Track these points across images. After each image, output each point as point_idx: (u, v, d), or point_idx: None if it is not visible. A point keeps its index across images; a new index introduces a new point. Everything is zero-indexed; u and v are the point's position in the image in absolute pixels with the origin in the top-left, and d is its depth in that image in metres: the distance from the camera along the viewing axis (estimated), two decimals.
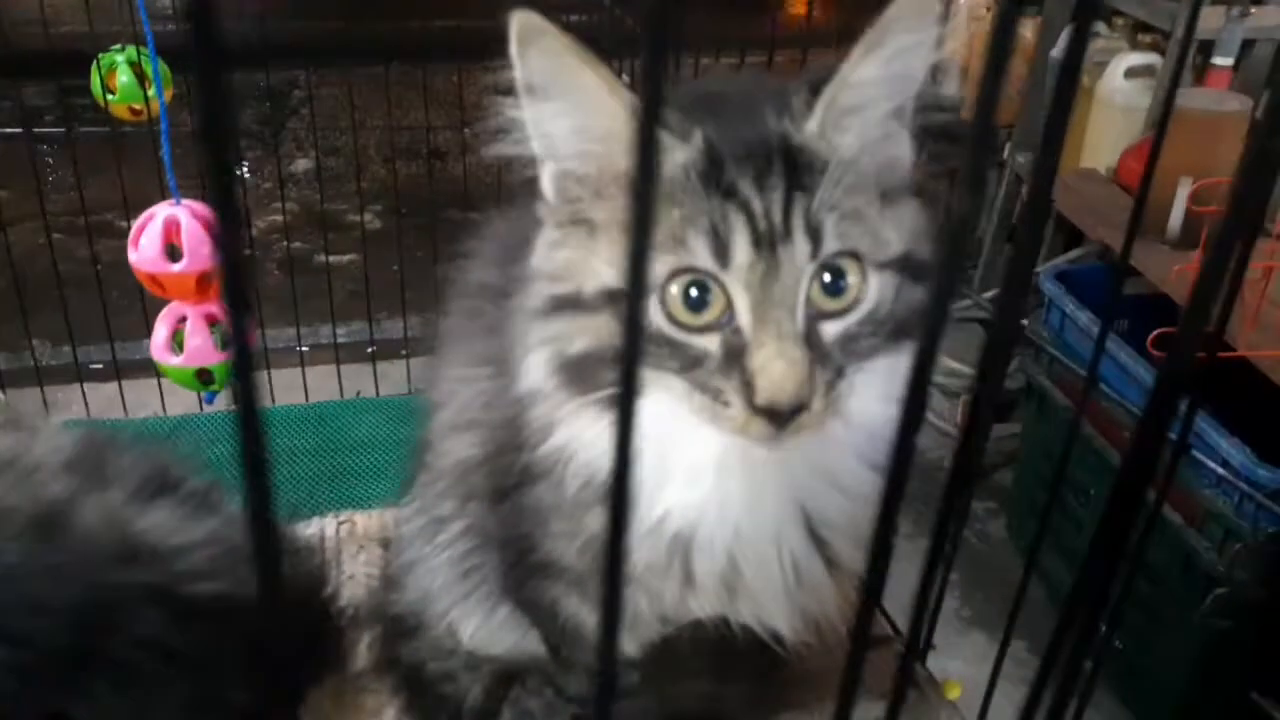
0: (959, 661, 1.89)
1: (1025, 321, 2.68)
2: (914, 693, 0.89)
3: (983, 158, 0.32)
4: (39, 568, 0.65)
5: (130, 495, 0.73)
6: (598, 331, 0.57)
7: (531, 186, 0.61)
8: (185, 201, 1.29)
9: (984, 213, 3.23)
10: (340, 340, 2.13)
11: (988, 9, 2.83)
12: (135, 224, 1.28)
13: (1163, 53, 2.27)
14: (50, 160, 2.77)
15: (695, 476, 0.62)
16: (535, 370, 0.61)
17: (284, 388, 2.06)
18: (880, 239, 0.57)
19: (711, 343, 0.56)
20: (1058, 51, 2.43)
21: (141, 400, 1.90)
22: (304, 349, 2.18)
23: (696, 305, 0.55)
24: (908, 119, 0.59)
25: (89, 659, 0.65)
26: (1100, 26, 2.36)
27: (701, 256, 0.55)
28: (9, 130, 1.95)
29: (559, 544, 0.68)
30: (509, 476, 0.68)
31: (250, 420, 0.25)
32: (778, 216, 0.55)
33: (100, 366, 2.06)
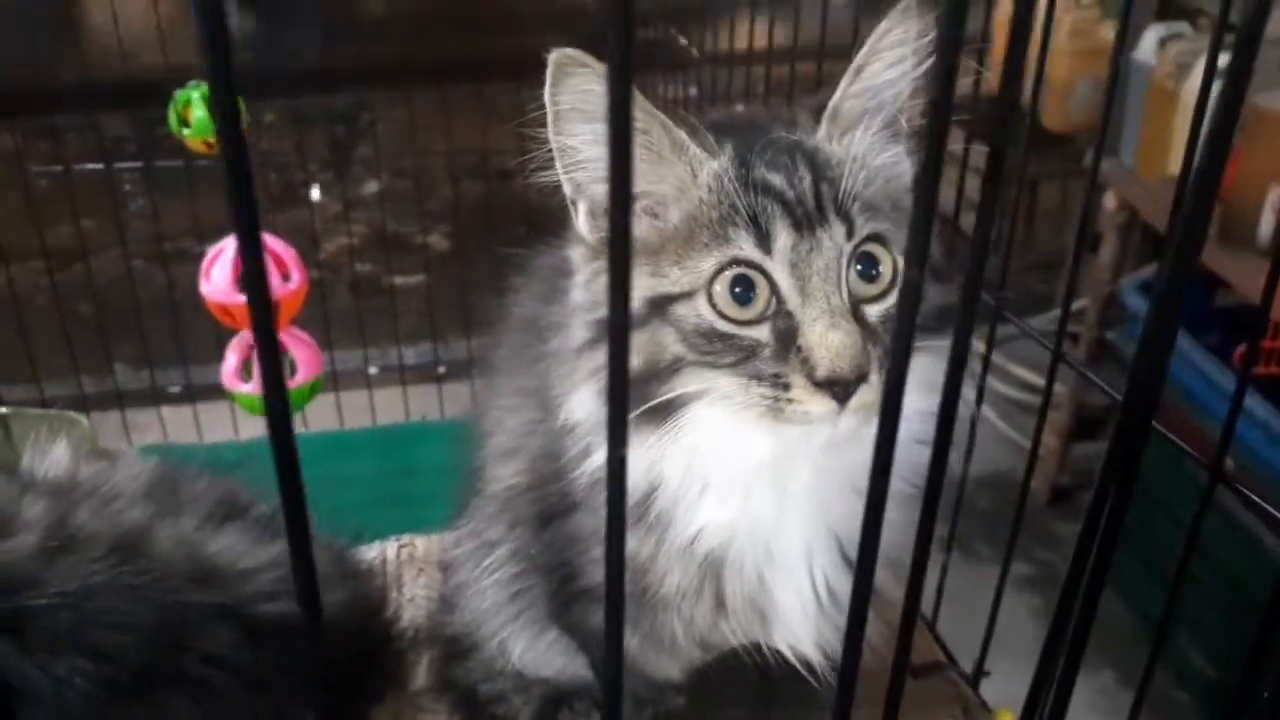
0: None
1: (1112, 335, 2.66)
2: (964, 719, 0.91)
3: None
4: (120, 588, 0.72)
5: (202, 520, 0.81)
6: (643, 347, 0.62)
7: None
8: None
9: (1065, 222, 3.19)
10: (409, 362, 2.22)
11: (1065, 11, 2.81)
12: (206, 256, 1.37)
13: None
14: (128, 188, 2.93)
15: (729, 493, 0.66)
16: (587, 402, 0.65)
17: (352, 409, 2.16)
18: (899, 233, 0.63)
19: (762, 333, 0.60)
20: (1142, 54, 2.41)
21: (216, 423, 2.01)
22: (372, 371, 2.28)
23: (743, 299, 0.60)
24: (903, 133, 0.66)
25: (165, 674, 0.72)
26: (1183, 27, 2.33)
27: (746, 247, 0.60)
28: (91, 165, 2.08)
29: (599, 570, 0.72)
30: (551, 504, 0.73)
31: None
32: (811, 202, 0.60)
33: (177, 390, 2.19)
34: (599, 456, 0.66)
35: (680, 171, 0.63)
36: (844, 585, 0.70)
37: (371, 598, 0.93)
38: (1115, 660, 2.04)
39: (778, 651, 0.73)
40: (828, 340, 0.58)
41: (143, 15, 1.88)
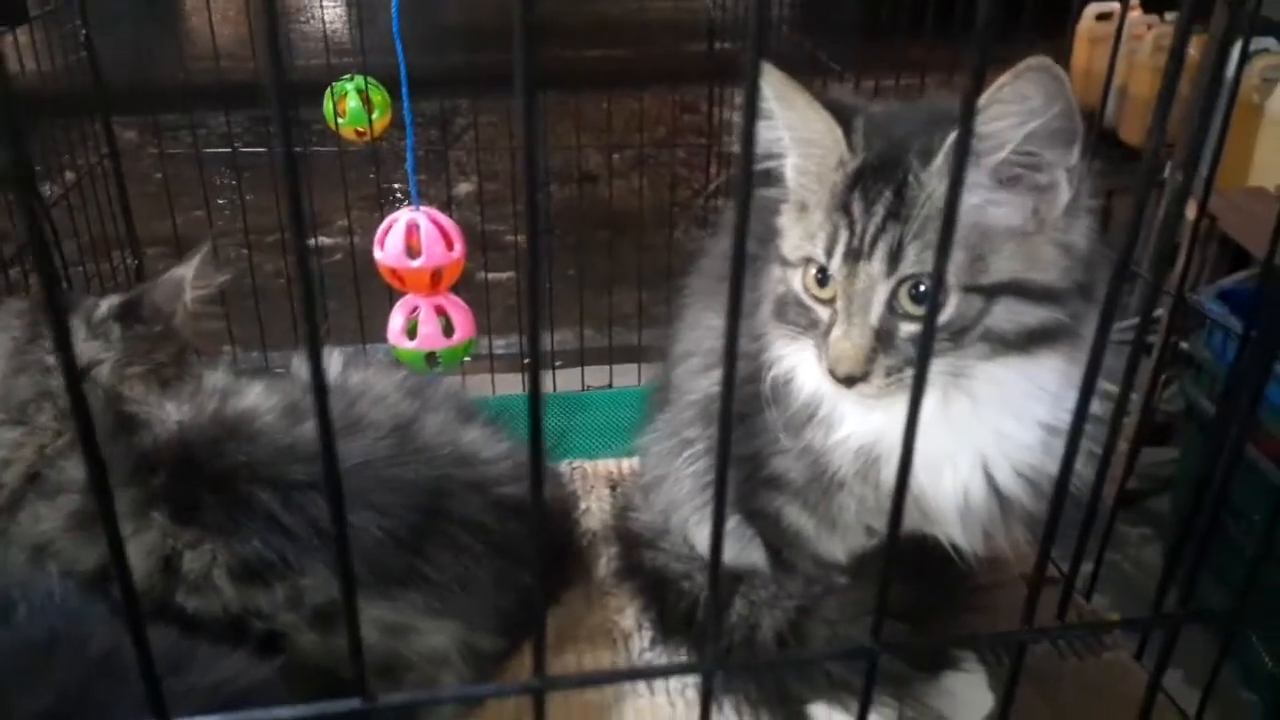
0: None
1: (1185, 344, 2.76)
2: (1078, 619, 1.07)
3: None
4: (399, 461, 0.92)
5: (453, 417, 1.00)
6: (789, 283, 0.81)
7: (765, 178, 0.84)
8: (423, 208, 1.58)
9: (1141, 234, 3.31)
10: (497, 352, 2.42)
11: (1149, 27, 2.95)
12: (381, 226, 1.58)
13: None
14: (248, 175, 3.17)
15: (866, 407, 0.82)
16: (765, 307, 0.85)
17: None
18: (977, 268, 0.73)
19: (825, 313, 0.79)
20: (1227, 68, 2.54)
21: None
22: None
23: (821, 283, 0.79)
24: (1012, 179, 0.72)
25: (432, 531, 0.91)
26: (1270, 42, 2.46)
27: (819, 253, 0.78)
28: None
29: (785, 460, 0.90)
30: (746, 404, 0.91)
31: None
32: (868, 238, 0.75)
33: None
34: (785, 362, 0.86)
35: (833, 174, 0.77)
36: (981, 491, 0.85)
37: (567, 498, 1.12)
38: (1183, 659, 2.11)
39: (934, 538, 0.89)
40: (837, 345, 0.76)
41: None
